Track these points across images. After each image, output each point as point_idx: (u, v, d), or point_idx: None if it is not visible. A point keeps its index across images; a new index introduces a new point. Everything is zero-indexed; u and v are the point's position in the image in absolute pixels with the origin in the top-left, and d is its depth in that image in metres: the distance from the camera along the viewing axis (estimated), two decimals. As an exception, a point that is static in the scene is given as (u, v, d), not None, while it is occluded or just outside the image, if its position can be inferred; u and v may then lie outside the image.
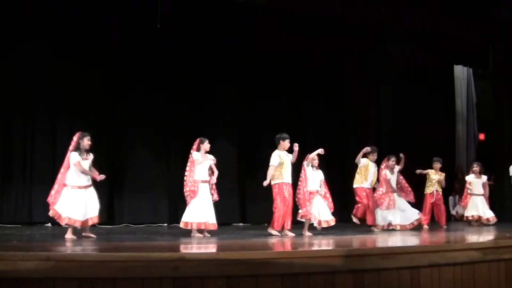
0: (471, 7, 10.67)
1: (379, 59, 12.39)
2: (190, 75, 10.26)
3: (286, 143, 7.54)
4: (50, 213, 6.70)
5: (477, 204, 9.89)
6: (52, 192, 6.70)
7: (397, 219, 8.99)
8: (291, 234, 7.40)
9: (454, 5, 10.58)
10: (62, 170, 6.73)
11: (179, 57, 10.15)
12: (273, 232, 7.39)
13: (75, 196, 6.64)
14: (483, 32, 11.26)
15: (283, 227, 7.43)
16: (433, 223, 9.78)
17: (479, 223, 9.83)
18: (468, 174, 10.44)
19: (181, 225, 7.19)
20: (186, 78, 10.23)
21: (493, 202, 10.67)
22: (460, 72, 14.08)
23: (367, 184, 8.75)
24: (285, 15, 10.30)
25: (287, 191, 7.42)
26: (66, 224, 6.66)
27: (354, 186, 8.81)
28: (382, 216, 8.96)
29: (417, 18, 10.54)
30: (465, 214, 10.12)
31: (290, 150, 7.56)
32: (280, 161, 7.40)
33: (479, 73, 13.97)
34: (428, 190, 9.75)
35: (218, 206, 8.04)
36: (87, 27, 9.54)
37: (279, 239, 6.88)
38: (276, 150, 7.51)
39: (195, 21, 10.12)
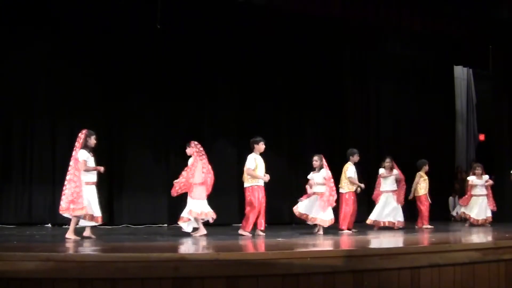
0: (471, 7, 10.66)
1: (379, 59, 12.38)
2: (190, 75, 10.25)
3: (261, 146, 7.71)
4: (77, 213, 6.65)
5: (476, 205, 9.94)
6: (67, 191, 6.63)
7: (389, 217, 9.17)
8: (262, 234, 7.52)
9: (454, 5, 10.57)
10: (72, 170, 6.69)
11: (179, 57, 10.14)
12: (244, 233, 7.50)
13: (87, 192, 6.71)
14: (483, 32, 11.24)
15: (256, 227, 7.59)
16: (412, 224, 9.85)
17: (469, 223, 9.94)
18: (469, 174, 10.48)
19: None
20: (185, 78, 10.22)
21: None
22: (460, 72, 14.08)
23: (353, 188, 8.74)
24: (285, 15, 10.29)
25: (260, 194, 7.59)
26: (76, 217, 6.66)
27: (342, 191, 8.70)
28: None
29: (417, 18, 10.52)
30: (463, 211, 10.23)
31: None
32: (255, 164, 7.58)
33: (479, 73, 13.96)
34: (424, 191, 9.80)
35: (218, 206, 8.06)
36: (86, 28, 9.53)
37: (279, 240, 6.88)
38: (252, 153, 7.68)
39: (195, 21, 10.12)
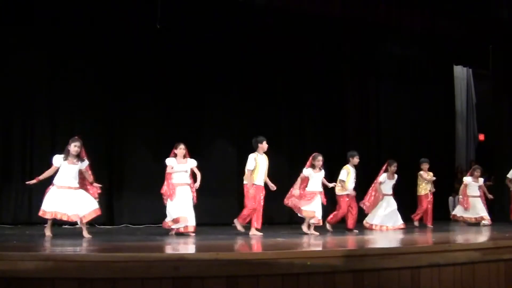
0: (471, 7, 10.67)
1: (379, 59, 12.38)
2: (190, 76, 10.25)
3: (264, 145, 7.79)
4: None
5: (474, 205, 10.00)
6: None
7: (383, 220, 9.18)
8: (258, 233, 7.57)
9: (454, 5, 10.58)
10: None
11: (179, 57, 10.14)
12: (237, 225, 7.69)
13: (53, 193, 6.93)
14: (483, 32, 11.25)
15: (250, 225, 7.67)
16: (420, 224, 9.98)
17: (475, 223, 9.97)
18: (466, 174, 10.49)
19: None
20: (185, 78, 10.21)
21: (493, 202, 10.71)
22: (460, 72, 14.09)
23: (349, 191, 8.70)
24: (285, 15, 10.29)
25: (257, 193, 7.69)
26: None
27: (337, 193, 8.74)
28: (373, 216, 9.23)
29: (417, 18, 10.54)
30: (466, 215, 10.14)
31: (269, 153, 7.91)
32: (255, 164, 7.67)
33: (479, 73, 13.97)
34: (424, 191, 9.90)
35: (218, 206, 8.08)
36: (87, 28, 9.52)
37: (279, 240, 6.88)
38: (254, 153, 7.76)
39: (195, 21, 10.11)
